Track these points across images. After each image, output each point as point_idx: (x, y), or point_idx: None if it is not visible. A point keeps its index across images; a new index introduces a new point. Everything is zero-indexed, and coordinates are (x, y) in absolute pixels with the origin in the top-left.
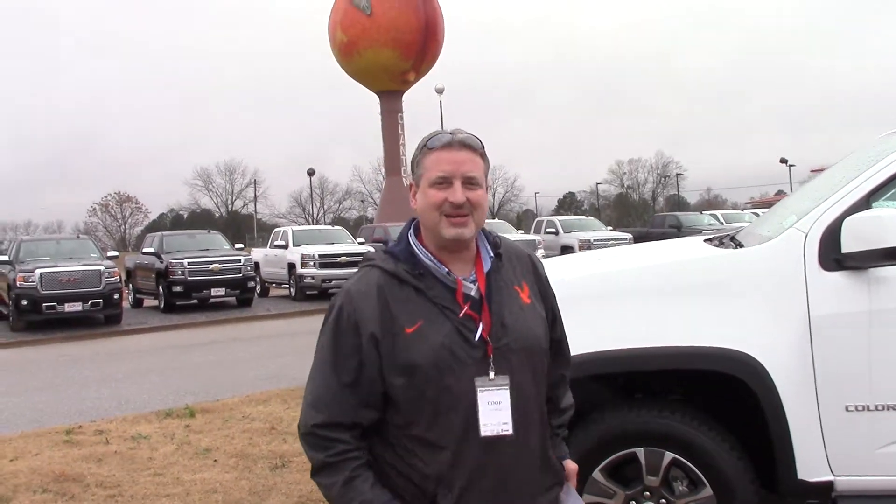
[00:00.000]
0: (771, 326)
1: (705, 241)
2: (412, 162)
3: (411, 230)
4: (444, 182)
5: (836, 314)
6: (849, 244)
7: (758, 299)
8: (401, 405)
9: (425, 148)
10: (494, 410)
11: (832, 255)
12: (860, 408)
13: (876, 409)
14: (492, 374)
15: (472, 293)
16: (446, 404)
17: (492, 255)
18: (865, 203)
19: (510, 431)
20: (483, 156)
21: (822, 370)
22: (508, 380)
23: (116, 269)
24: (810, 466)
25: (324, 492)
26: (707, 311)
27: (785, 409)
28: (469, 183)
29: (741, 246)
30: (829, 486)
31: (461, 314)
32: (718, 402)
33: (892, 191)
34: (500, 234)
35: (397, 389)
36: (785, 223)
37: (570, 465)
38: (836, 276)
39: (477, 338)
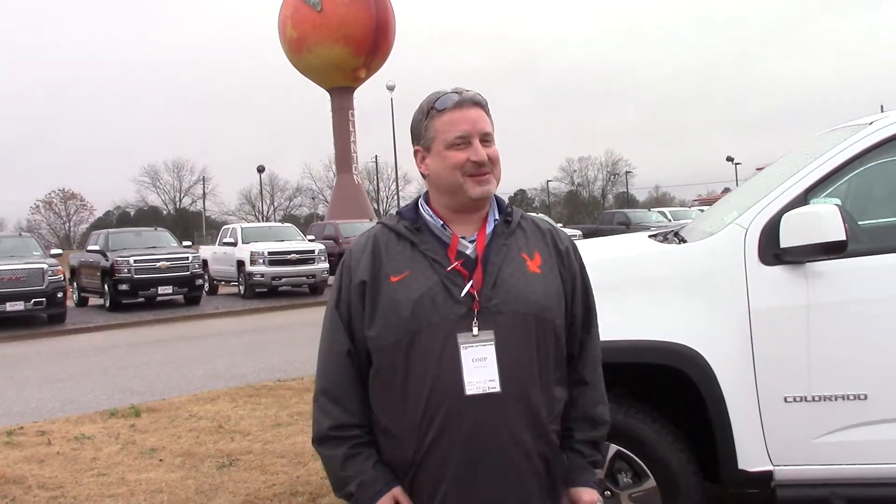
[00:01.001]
0: (712, 320)
1: (650, 237)
2: (415, 128)
3: (422, 195)
4: (462, 142)
5: (775, 307)
6: (787, 239)
7: (700, 293)
8: (377, 357)
9: (433, 110)
10: (479, 367)
11: (771, 249)
12: (798, 399)
13: (813, 399)
14: (475, 330)
15: (468, 251)
16: (424, 358)
17: (497, 218)
18: (803, 199)
19: (497, 388)
20: (489, 111)
21: (761, 362)
22: (493, 335)
23: (60, 268)
24: (750, 457)
25: (324, 462)
26: (650, 306)
27: (725, 400)
28: (485, 139)
29: (684, 241)
30: (768, 475)
31: (450, 268)
32: (662, 395)
33: (830, 187)
34: (520, 208)
35: (375, 339)
36: (726, 219)
37: (584, 496)
38: (776, 271)
39: (463, 294)
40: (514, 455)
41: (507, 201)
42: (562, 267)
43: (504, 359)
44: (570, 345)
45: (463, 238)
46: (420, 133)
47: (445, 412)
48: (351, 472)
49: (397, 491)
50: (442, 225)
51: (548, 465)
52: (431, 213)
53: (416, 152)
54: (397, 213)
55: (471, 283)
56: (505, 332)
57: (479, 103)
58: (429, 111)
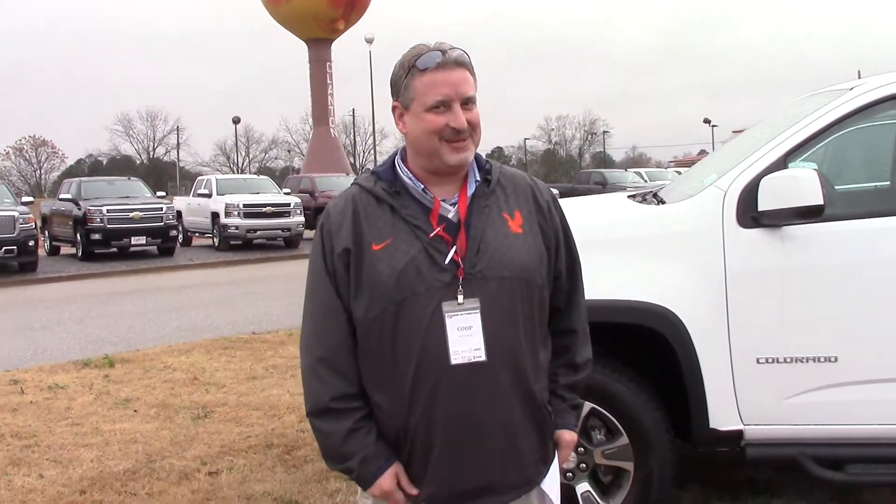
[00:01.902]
0: (689, 281)
1: (629, 197)
2: (395, 83)
3: (398, 153)
4: (443, 106)
5: (751, 270)
6: (765, 202)
7: (677, 254)
8: (361, 327)
9: (414, 68)
10: (465, 336)
11: (749, 212)
12: (770, 360)
13: (785, 361)
14: (460, 298)
15: (450, 216)
16: (409, 327)
17: (478, 179)
18: (783, 163)
19: (483, 357)
20: (473, 71)
21: (735, 324)
22: (479, 303)
23: (31, 216)
24: (722, 416)
25: (319, 437)
26: (627, 266)
27: (700, 361)
28: (466, 103)
29: (663, 202)
30: (738, 435)
31: (432, 235)
32: (637, 355)
33: (809, 152)
34: (497, 162)
35: (360, 309)
36: (705, 181)
37: (564, 436)
38: (753, 233)
39: (447, 261)
40: (504, 421)
41: (484, 158)
42: (543, 222)
43: (489, 326)
44: (557, 298)
45: (443, 201)
46: (399, 89)
47: (433, 382)
48: (353, 447)
49: (397, 466)
50: (423, 189)
51: (538, 426)
52: (410, 174)
53: (394, 108)
54: (373, 173)
55: (454, 249)
56: (490, 299)
57: (464, 64)
58: (410, 68)
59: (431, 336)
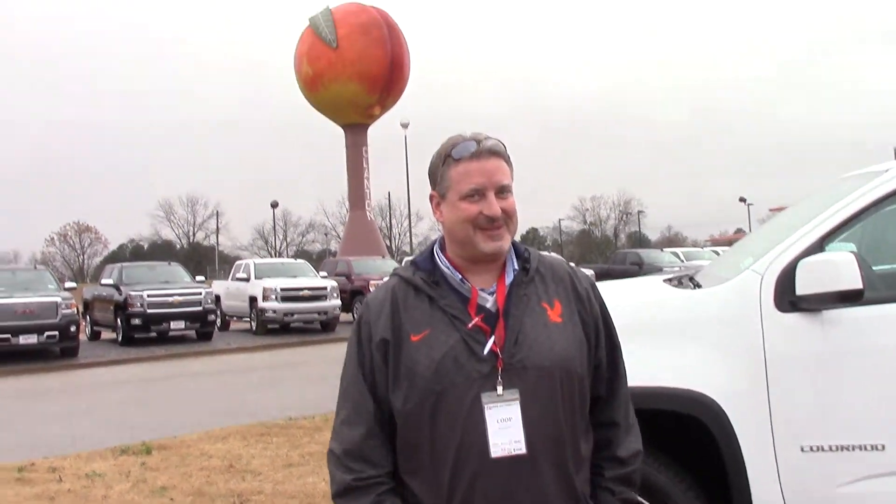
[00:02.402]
0: (728, 366)
1: (664, 280)
2: (432, 172)
3: (437, 242)
4: (476, 194)
5: (791, 355)
6: (803, 286)
7: (715, 339)
8: (401, 418)
9: (450, 158)
10: (504, 428)
11: (787, 296)
12: (815, 448)
13: (830, 449)
14: (500, 390)
15: (489, 305)
16: (448, 419)
17: (516, 267)
18: (820, 246)
19: (524, 450)
20: (508, 159)
21: (777, 410)
22: (518, 394)
23: (74, 301)
24: None
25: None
26: (665, 351)
27: (742, 448)
28: (501, 192)
29: (699, 286)
30: None
31: (470, 325)
32: (676, 442)
33: (846, 233)
34: (535, 249)
35: (399, 400)
36: (742, 264)
37: None
38: (792, 318)
39: (486, 351)
40: None
41: (523, 245)
42: (582, 311)
43: (530, 418)
44: (598, 388)
45: (482, 290)
46: (436, 179)
47: (472, 475)
48: None
49: None
50: (461, 279)
51: None
52: (448, 264)
53: (431, 197)
54: (412, 262)
55: (493, 339)
56: (530, 390)
57: (498, 153)
58: (445, 158)
59: (471, 428)
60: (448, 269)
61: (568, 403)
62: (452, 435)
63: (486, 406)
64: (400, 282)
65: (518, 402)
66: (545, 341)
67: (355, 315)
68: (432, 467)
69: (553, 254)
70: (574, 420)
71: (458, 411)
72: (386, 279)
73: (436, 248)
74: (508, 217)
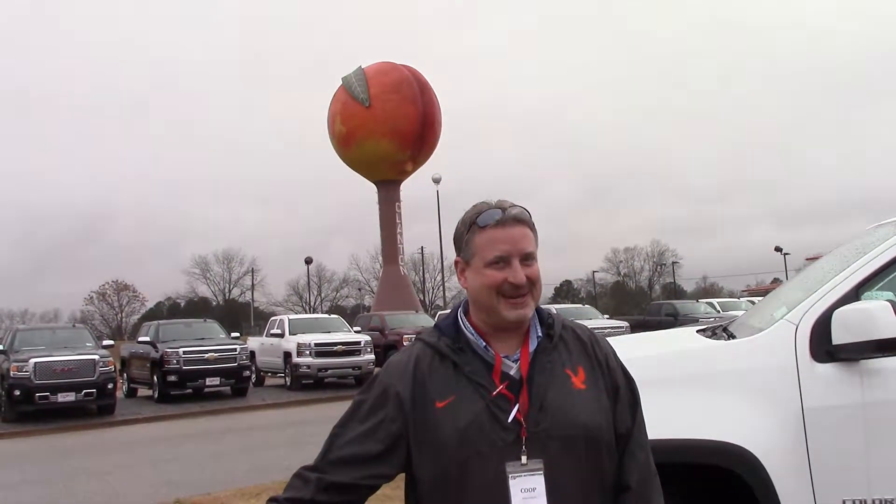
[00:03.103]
0: (765, 419)
1: (698, 331)
2: (457, 239)
3: (461, 306)
4: (502, 262)
5: (830, 406)
6: (839, 336)
7: (751, 391)
8: (425, 486)
9: (475, 225)
10: (528, 498)
11: (824, 346)
12: (857, 502)
13: (873, 503)
14: (524, 459)
15: (512, 372)
16: (473, 488)
17: (540, 334)
18: (855, 294)
19: None
20: (533, 227)
21: (817, 463)
22: (542, 464)
23: (111, 359)
24: None
25: None
26: (700, 403)
27: (781, 503)
28: (525, 259)
29: (733, 337)
30: None
31: (495, 393)
32: (713, 497)
33: (881, 282)
34: (559, 314)
35: (423, 468)
36: (776, 314)
37: None
38: (829, 368)
39: (510, 419)
40: None
41: (547, 311)
42: (604, 378)
43: (554, 488)
44: (618, 454)
45: (506, 357)
46: (461, 245)
47: None
48: None
49: None
50: (485, 346)
51: None
52: (472, 330)
53: (456, 263)
54: (436, 327)
55: (517, 407)
56: (555, 459)
57: (523, 220)
58: (471, 226)
59: (495, 498)
60: (472, 335)
61: (594, 472)
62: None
63: (510, 475)
64: (424, 347)
65: (542, 471)
66: (570, 409)
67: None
68: None
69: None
70: (599, 487)
71: (483, 480)
72: (413, 342)
73: (459, 312)
74: (533, 284)
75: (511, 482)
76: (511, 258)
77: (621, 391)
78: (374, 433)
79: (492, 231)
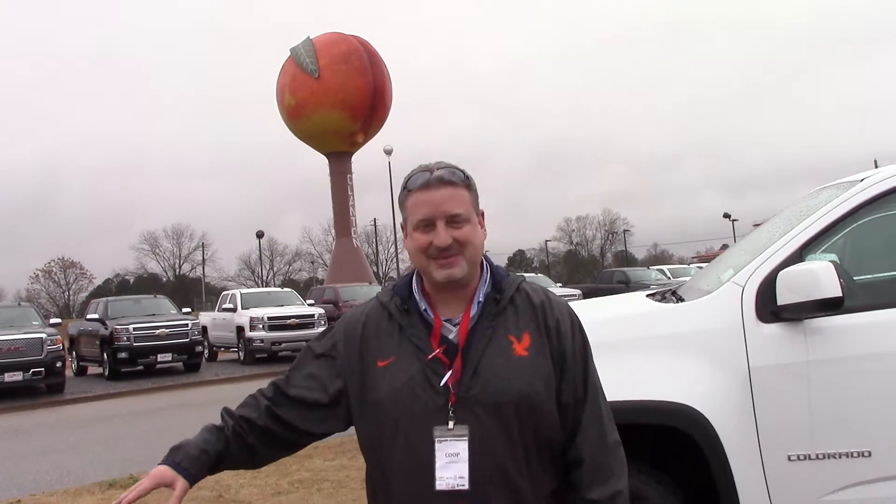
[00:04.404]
0: (712, 379)
1: (647, 296)
2: (399, 203)
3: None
4: (428, 224)
5: (775, 365)
6: (784, 296)
7: (698, 352)
8: (363, 442)
9: (405, 190)
10: (451, 462)
11: (769, 307)
12: (802, 457)
13: (817, 457)
14: (451, 424)
15: (451, 336)
16: (402, 448)
17: (481, 299)
18: (798, 256)
19: (466, 486)
20: (468, 186)
21: (763, 421)
22: (468, 430)
23: (59, 337)
24: None
25: None
26: (649, 365)
27: (729, 460)
28: (454, 221)
29: (682, 300)
30: None
31: (430, 356)
32: (663, 456)
33: (825, 244)
34: (522, 277)
35: (361, 424)
36: (723, 277)
37: None
38: (774, 328)
39: (442, 384)
40: None
41: (505, 272)
42: (551, 344)
43: (477, 455)
44: (566, 426)
45: (448, 321)
46: (401, 210)
47: None
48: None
49: (184, 484)
50: (425, 308)
51: None
52: (420, 292)
53: (402, 227)
54: (394, 286)
55: (450, 372)
56: (482, 426)
57: (450, 181)
58: (403, 189)
59: (421, 459)
60: (418, 297)
61: (526, 439)
62: (406, 463)
63: (436, 439)
64: (377, 306)
65: (467, 438)
66: (504, 376)
67: None
68: (388, 492)
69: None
70: (533, 458)
71: (412, 441)
72: (372, 299)
73: (414, 275)
74: (462, 245)
75: (437, 446)
76: (436, 220)
77: (569, 359)
78: (321, 382)
79: (417, 194)
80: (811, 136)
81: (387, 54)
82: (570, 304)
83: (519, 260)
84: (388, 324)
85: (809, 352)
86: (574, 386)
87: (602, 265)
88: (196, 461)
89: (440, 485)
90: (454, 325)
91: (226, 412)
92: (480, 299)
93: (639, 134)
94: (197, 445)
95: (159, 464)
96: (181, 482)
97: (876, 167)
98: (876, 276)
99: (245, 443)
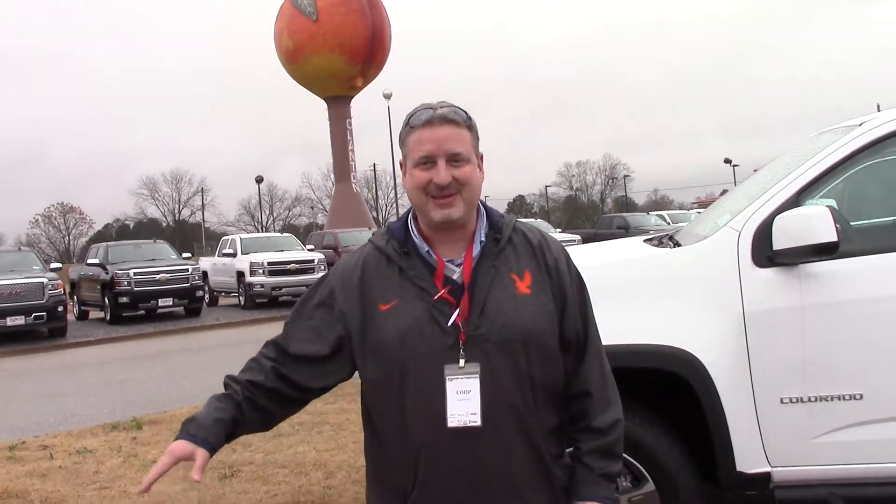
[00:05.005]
0: (707, 323)
1: (645, 241)
2: (400, 140)
3: (411, 210)
4: (428, 162)
5: (769, 309)
6: (780, 241)
7: (694, 296)
8: (370, 387)
9: (408, 126)
10: (463, 400)
11: (765, 252)
12: (794, 400)
13: (809, 400)
14: (461, 362)
15: (455, 276)
16: (412, 390)
17: (483, 238)
18: (795, 201)
19: (478, 423)
20: (470, 127)
21: (757, 364)
22: (479, 367)
23: (60, 282)
24: (748, 459)
25: None
26: (645, 310)
27: (722, 403)
28: (454, 160)
29: (679, 245)
30: (766, 477)
31: (436, 297)
32: (659, 398)
33: (822, 189)
34: (514, 217)
35: (366, 369)
36: (719, 222)
37: None
38: (769, 273)
39: (450, 323)
40: (501, 488)
41: (499, 213)
42: (552, 282)
43: (488, 391)
44: (568, 360)
45: (450, 262)
46: (401, 147)
47: (431, 443)
48: (202, 409)
49: (204, 453)
50: (427, 250)
51: (549, 485)
52: (418, 234)
53: (401, 165)
54: (387, 229)
55: (457, 311)
56: (492, 363)
57: (453, 120)
58: (405, 126)
59: (432, 398)
60: (417, 239)
61: (534, 375)
62: (416, 404)
63: (447, 378)
64: (373, 250)
65: (478, 375)
66: (511, 314)
67: None
68: (398, 435)
69: (536, 220)
70: (539, 394)
71: (422, 382)
72: (365, 244)
73: (409, 216)
74: (461, 185)
75: (448, 384)
76: (437, 158)
77: (569, 296)
78: (320, 333)
79: (420, 131)
80: (814, 81)
81: None
82: (568, 248)
83: (519, 205)
84: (387, 267)
85: (804, 296)
86: (575, 322)
87: (602, 211)
88: (212, 430)
89: (452, 422)
90: (457, 266)
91: (230, 379)
92: (482, 238)
93: (640, 80)
94: (209, 415)
95: (175, 439)
96: (201, 452)
97: (879, 112)
98: (872, 221)
99: (257, 405)
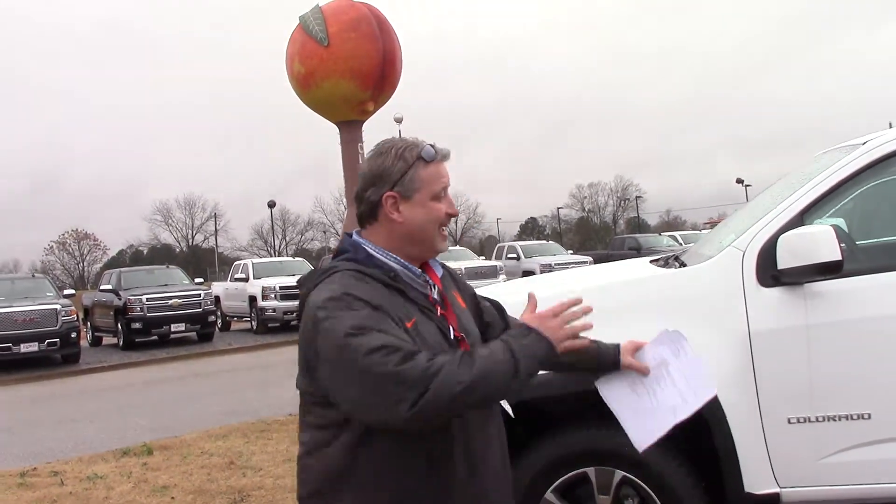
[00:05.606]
0: (713, 342)
1: (651, 261)
2: (388, 174)
3: (365, 243)
4: (444, 195)
5: (775, 329)
6: (784, 260)
7: (699, 316)
8: None
9: (420, 160)
10: None
11: (769, 271)
12: (802, 420)
13: (817, 420)
14: None
15: (435, 295)
16: None
17: (438, 261)
18: (799, 220)
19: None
20: None
21: (763, 384)
22: None
23: (73, 308)
24: (757, 479)
25: (451, 389)
26: (650, 331)
27: (729, 423)
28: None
29: (684, 265)
30: (775, 497)
31: (440, 314)
32: None
33: (826, 208)
34: None
35: None
36: (724, 242)
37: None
38: (774, 292)
39: (453, 336)
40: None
41: None
42: (467, 296)
43: None
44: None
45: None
46: (396, 180)
47: (466, 433)
48: (482, 351)
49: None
50: (420, 273)
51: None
52: (397, 258)
53: (387, 198)
54: (355, 261)
55: (452, 325)
56: None
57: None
58: (414, 161)
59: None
60: (402, 266)
61: None
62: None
63: None
64: (363, 278)
65: None
66: (468, 322)
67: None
68: (446, 458)
69: (551, 244)
70: None
71: None
72: (331, 275)
73: (370, 249)
74: None
75: None
76: (447, 191)
77: (481, 308)
78: (399, 334)
79: (436, 166)
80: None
81: (395, 21)
82: (580, 270)
83: (531, 227)
84: (387, 290)
85: (809, 315)
86: (490, 313)
87: (614, 232)
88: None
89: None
90: (432, 286)
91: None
92: (438, 260)
93: (651, 99)
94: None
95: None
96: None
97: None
98: (877, 240)
99: None
